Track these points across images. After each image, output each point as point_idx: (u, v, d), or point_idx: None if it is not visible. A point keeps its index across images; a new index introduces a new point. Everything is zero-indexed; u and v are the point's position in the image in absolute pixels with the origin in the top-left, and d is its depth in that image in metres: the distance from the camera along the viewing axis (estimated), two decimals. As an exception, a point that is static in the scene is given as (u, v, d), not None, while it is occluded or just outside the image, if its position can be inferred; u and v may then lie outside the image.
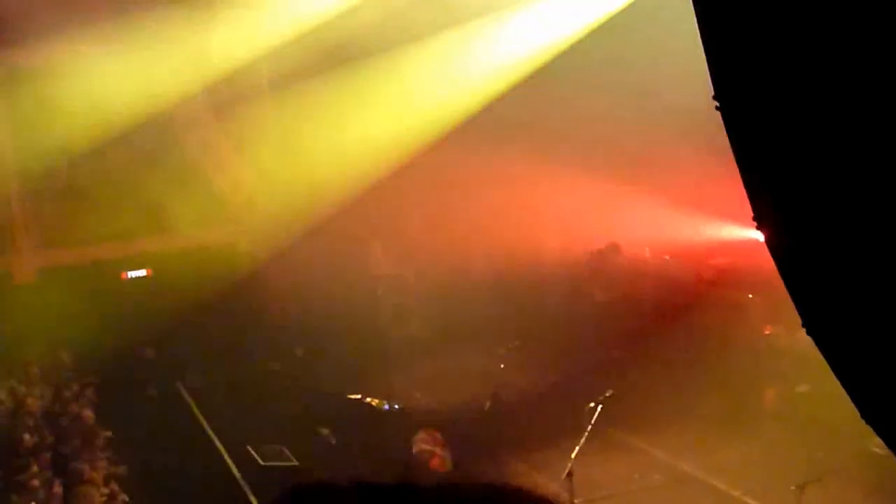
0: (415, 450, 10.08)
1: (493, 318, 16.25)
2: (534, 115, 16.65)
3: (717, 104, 2.50)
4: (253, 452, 11.47)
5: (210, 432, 12.50)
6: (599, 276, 15.70)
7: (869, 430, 2.77)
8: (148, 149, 15.74)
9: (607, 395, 8.47)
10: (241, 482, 10.84)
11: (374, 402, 12.90)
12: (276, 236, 16.80)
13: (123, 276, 16.08)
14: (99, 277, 15.70)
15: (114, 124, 14.94)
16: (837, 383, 2.72)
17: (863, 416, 2.72)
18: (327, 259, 16.57)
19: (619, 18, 14.50)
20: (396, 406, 12.67)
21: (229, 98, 15.86)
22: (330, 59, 15.15)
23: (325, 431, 11.95)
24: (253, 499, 10.37)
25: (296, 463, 11.19)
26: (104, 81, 14.12)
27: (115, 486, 10.25)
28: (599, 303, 15.45)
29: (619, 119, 15.10)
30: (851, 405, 2.75)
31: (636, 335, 15.06)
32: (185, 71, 14.96)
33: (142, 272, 16.11)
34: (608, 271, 15.62)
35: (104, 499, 9.97)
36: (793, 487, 7.15)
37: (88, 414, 12.17)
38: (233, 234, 16.93)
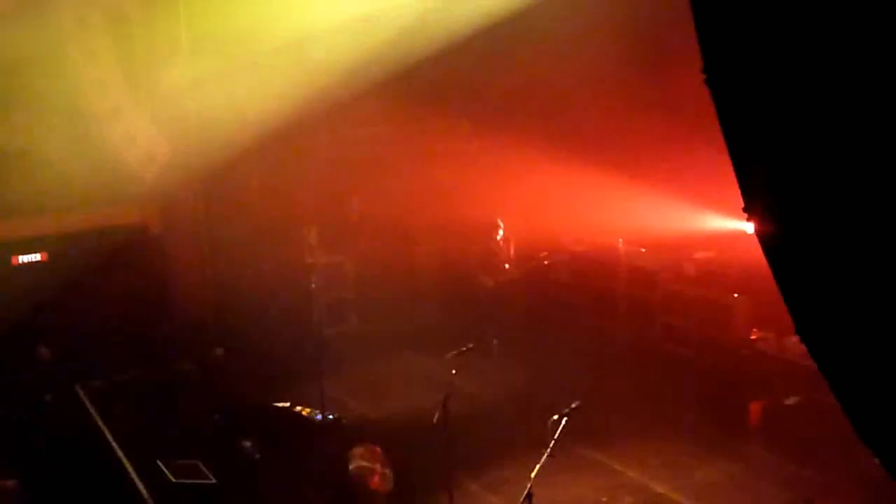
0: (352, 466, 10.04)
1: (442, 314, 16.30)
2: (483, 82, 16.59)
3: (706, 79, 2.52)
4: (163, 468, 11.37)
5: (114, 444, 12.35)
6: (486, 259, 15.92)
7: (864, 447, 2.83)
8: (48, 116, 15.45)
9: (573, 406, 8.50)
10: (149, 503, 10.74)
11: (305, 410, 12.85)
12: (194, 216, 16.62)
13: (14, 260, 15.79)
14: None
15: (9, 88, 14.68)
16: (831, 396, 2.76)
17: (858, 433, 2.77)
18: (253, 244, 16.43)
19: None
20: (331, 416, 12.63)
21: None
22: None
23: (248, 444, 11.89)
24: (163, 522, 10.28)
25: (213, 481, 11.11)
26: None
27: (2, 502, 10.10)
28: (490, 289, 15.66)
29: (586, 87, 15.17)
30: (845, 420, 2.80)
31: (604, 337, 15.23)
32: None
33: (36, 256, 15.84)
34: (491, 253, 15.85)
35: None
36: (779, 512, 7.28)
37: (-30, 421, 11.96)
38: (143, 214, 16.69)
